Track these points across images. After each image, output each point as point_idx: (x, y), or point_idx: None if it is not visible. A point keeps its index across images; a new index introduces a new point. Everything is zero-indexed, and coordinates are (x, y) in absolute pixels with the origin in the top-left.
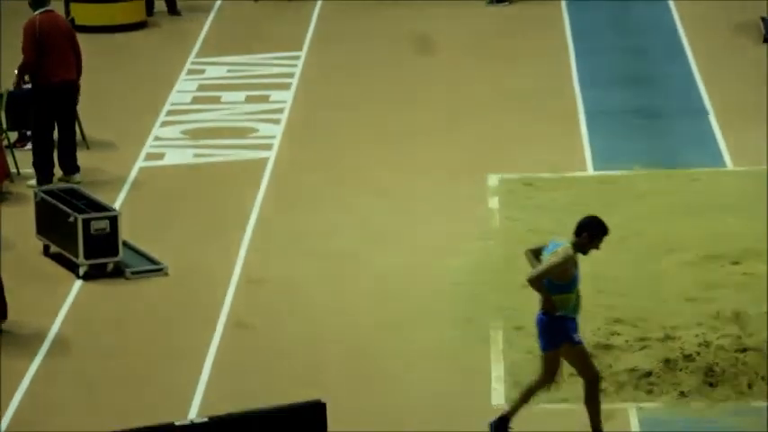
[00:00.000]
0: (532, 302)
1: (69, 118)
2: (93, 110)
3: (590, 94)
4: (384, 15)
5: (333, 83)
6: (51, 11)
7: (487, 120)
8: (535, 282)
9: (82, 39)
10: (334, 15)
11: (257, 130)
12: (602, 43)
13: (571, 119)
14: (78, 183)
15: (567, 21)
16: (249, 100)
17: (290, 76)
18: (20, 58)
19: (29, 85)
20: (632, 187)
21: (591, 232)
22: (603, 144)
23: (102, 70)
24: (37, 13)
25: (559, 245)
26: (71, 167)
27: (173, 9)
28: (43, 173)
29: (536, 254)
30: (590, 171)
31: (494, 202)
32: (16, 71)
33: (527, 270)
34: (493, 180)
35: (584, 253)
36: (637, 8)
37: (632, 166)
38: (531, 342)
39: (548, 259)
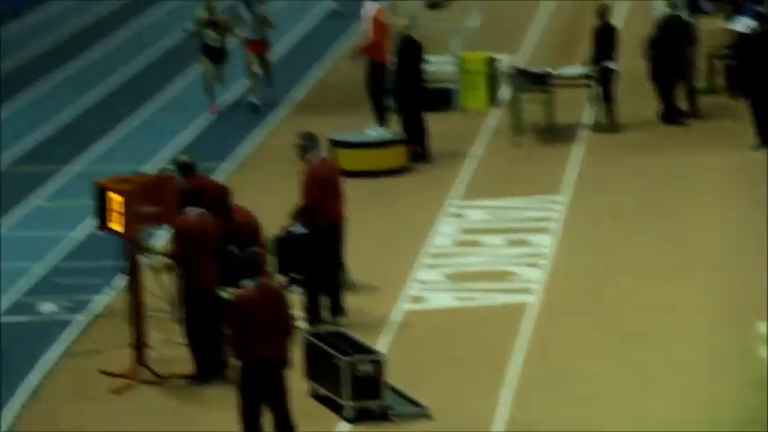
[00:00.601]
0: None
1: (336, 260)
2: (358, 252)
3: None
4: (641, 159)
5: (593, 226)
6: (323, 156)
7: (752, 264)
8: None
9: (346, 182)
10: (591, 158)
11: (518, 274)
12: None
13: None
14: (344, 325)
15: None
16: (509, 243)
17: (550, 219)
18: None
19: (297, 229)
20: None
21: None
22: None
23: (364, 213)
24: (315, 157)
25: None
26: (337, 310)
27: (423, 155)
28: (312, 315)
29: None
30: None
31: (763, 351)
32: (294, 214)
33: None
34: (761, 327)
35: None
36: None
37: None
38: None
39: None
